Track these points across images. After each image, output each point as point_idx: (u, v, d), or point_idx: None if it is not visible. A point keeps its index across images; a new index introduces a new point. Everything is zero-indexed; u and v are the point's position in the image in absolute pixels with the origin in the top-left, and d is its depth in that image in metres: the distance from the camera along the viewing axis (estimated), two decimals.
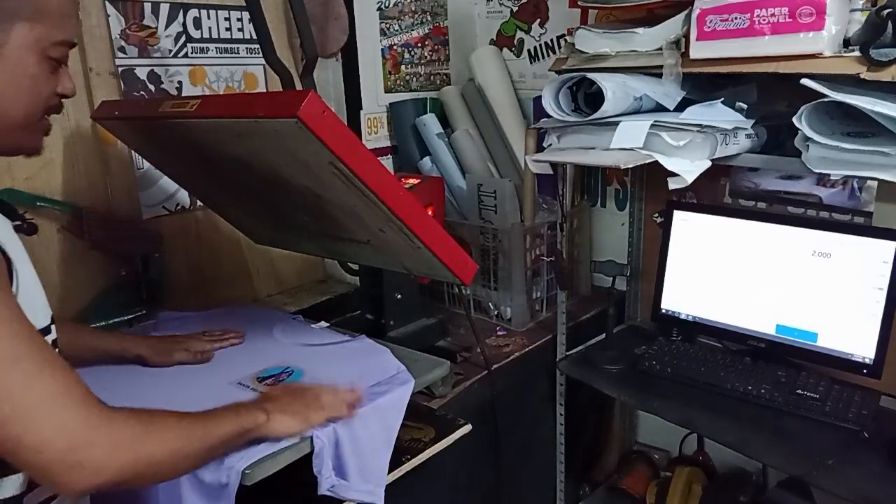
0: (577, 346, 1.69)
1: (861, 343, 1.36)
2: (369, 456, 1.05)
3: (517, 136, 1.79)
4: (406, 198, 1.02)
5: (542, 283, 1.77)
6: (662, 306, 1.64)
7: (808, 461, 1.21)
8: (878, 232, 1.35)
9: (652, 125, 1.20)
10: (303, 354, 1.21)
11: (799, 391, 1.36)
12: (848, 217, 1.47)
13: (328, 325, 1.37)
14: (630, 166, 1.15)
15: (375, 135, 1.92)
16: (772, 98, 1.32)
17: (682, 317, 1.61)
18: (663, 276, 1.63)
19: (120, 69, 1.43)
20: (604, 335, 1.68)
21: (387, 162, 1.97)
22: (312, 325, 1.35)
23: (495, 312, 1.76)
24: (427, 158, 1.88)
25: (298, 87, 1.50)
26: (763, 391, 1.38)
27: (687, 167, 1.13)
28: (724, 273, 1.54)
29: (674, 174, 1.14)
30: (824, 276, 1.40)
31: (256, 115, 0.92)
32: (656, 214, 1.72)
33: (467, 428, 1.24)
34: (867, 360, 1.36)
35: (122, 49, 1.43)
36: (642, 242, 1.82)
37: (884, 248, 1.32)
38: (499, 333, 1.69)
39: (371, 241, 1.16)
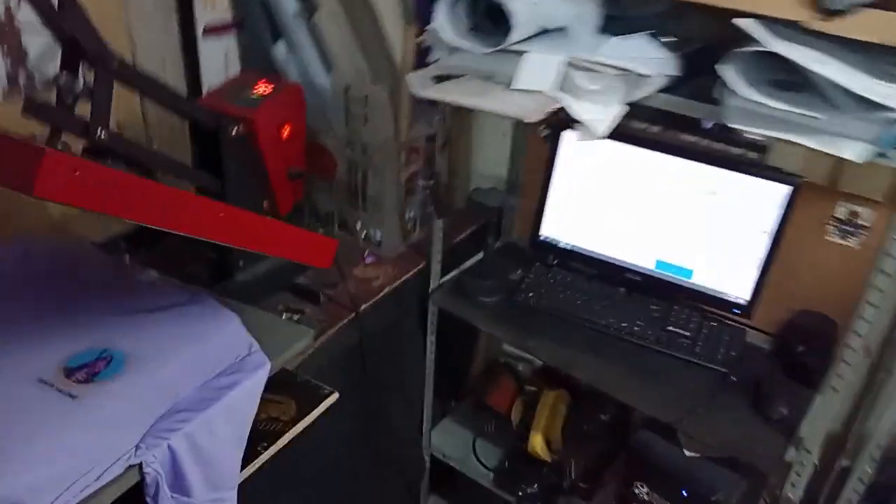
0: (452, 271, 1.56)
1: (738, 284, 1.35)
2: (216, 462, 0.87)
3: (395, 27, 1.49)
4: (227, 217, 0.85)
5: (415, 201, 1.58)
6: (541, 233, 1.53)
7: (679, 408, 1.23)
8: (770, 174, 1.28)
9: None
10: (124, 328, 0.92)
11: (671, 328, 1.36)
12: (741, 151, 1.39)
13: (159, 276, 1.10)
14: (537, 119, 0.95)
15: (212, 7, 1.53)
16: (691, 22, 1.15)
17: (561, 245, 1.52)
18: (545, 200, 1.51)
19: None
20: (480, 254, 1.59)
21: (229, 41, 1.59)
22: (138, 278, 1.08)
23: (363, 235, 1.56)
24: (281, 43, 1.54)
25: None
26: (636, 328, 1.37)
27: (599, 115, 0.95)
28: (608, 201, 1.44)
29: (579, 122, 0.96)
30: (710, 213, 1.34)
31: None
32: (543, 127, 1.55)
33: (334, 397, 1.08)
34: (741, 301, 1.35)
35: None
36: (524, 156, 1.66)
37: (775, 190, 1.27)
38: (367, 262, 1.51)
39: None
